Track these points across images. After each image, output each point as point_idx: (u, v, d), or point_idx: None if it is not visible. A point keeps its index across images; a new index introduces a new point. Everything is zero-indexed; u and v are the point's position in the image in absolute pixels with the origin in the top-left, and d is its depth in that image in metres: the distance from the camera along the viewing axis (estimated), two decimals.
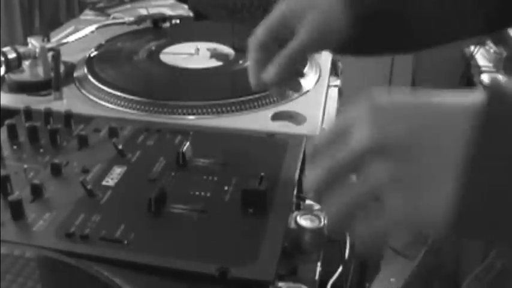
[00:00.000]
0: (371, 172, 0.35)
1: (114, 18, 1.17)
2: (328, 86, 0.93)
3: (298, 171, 0.65)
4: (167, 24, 1.15)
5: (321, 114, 0.81)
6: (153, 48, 1.01)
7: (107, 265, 0.50)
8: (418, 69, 2.23)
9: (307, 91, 0.88)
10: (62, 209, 0.58)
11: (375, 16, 0.58)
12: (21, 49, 0.88)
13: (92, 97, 0.85)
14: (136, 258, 0.52)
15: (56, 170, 0.64)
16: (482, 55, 1.99)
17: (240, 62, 0.95)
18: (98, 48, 1.01)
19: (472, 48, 2.01)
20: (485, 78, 1.84)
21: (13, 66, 0.87)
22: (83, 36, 1.01)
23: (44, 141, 0.70)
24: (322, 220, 0.58)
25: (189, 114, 0.80)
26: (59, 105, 0.81)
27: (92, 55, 0.97)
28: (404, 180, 0.35)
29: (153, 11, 1.18)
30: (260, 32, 0.59)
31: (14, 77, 0.88)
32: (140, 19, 1.12)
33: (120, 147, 0.68)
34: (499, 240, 0.43)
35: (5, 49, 0.86)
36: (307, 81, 0.89)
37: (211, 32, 1.10)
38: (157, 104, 0.81)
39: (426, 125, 0.35)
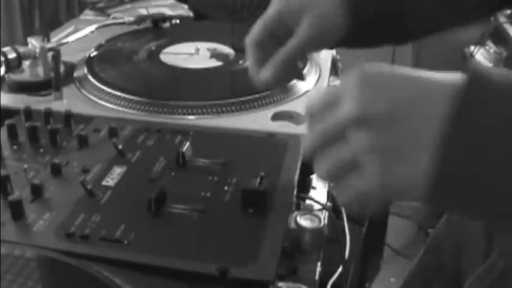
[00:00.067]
0: (353, 140, 0.39)
1: (114, 18, 1.17)
2: (328, 86, 0.93)
3: (298, 171, 0.65)
4: (167, 24, 1.15)
5: None
6: (153, 48, 1.01)
7: (107, 265, 0.50)
8: (418, 69, 2.23)
9: (307, 91, 0.88)
10: (62, 209, 0.58)
11: (371, 13, 0.58)
12: (21, 49, 0.88)
13: (92, 97, 0.85)
14: (136, 258, 0.52)
15: (56, 170, 0.64)
16: (482, 55, 1.99)
17: (240, 62, 0.95)
18: (98, 48, 1.01)
19: (472, 48, 2.01)
20: None
21: (13, 66, 0.87)
22: (83, 36, 1.01)
23: (44, 141, 0.70)
24: (322, 220, 0.58)
25: (189, 114, 0.80)
26: (59, 105, 0.81)
27: (92, 55, 0.97)
28: (383, 150, 0.38)
29: (153, 11, 1.18)
30: (256, 30, 0.59)
31: (14, 77, 0.88)
32: (140, 19, 1.12)
33: (120, 147, 0.68)
34: (472, 214, 0.44)
35: (5, 49, 0.86)
36: (307, 81, 0.89)
37: (211, 32, 1.10)
38: (157, 104, 0.81)
39: (407, 99, 0.37)
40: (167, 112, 0.80)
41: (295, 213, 0.59)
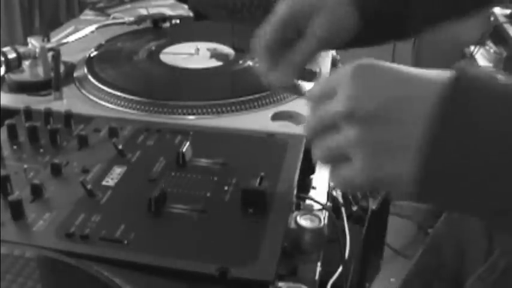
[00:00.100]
0: (343, 132, 0.41)
1: (114, 18, 1.17)
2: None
3: (298, 171, 0.65)
4: (167, 24, 1.15)
5: None
6: (153, 48, 1.01)
7: (107, 265, 0.50)
8: None
9: (307, 91, 0.87)
10: (62, 209, 0.58)
11: (377, 13, 0.58)
12: (21, 49, 0.88)
13: (92, 97, 0.85)
14: (136, 258, 0.52)
15: (56, 170, 0.64)
16: (482, 55, 1.99)
17: (240, 62, 0.95)
18: (98, 48, 1.01)
19: (472, 48, 2.01)
20: None
21: (13, 66, 0.87)
22: (83, 36, 1.01)
23: (44, 141, 0.70)
24: (322, 220, 0.58)
25: (189, 114, 0.80)
26: (59, 105, 0.81)
27: (92, 55, 0.97)
28: (369, 145, 0.40)
29: (153, 11, 1.18)
30: (267, 34, 0.59)
31: (14, 77, 0.88)
32: (140, 19, 1.12)
33: (120, 147, 0.68)
34: (459, 211, 0.45)
35: (5, 49, 0.86)
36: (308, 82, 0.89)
37: (211, 32, 1.10)
38: (157, 104, 0.81)
39: (396, 97, 0.39)
40: (167, 112, 0.80)
41: (295, 213, 0.59)
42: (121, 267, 0.51)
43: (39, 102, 0.82)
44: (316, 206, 0.62)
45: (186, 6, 1.25)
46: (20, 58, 0.87)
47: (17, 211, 0.56)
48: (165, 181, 0.63)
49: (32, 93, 0.86)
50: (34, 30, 1.46)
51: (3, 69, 0.87)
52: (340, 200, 0.83)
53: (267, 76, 0.59)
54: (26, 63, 0.89)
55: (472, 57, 1.98)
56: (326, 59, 0.99)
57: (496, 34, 1.96)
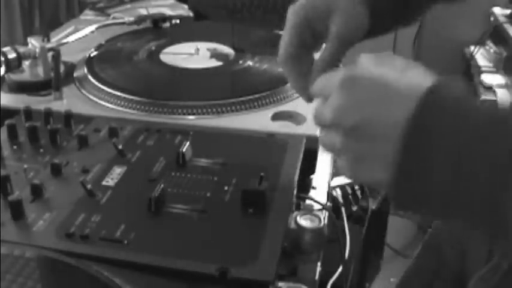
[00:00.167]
0: (329, 137, 0.47)
1: (114, 18, 1.17)
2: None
3: (298, 171, 0.65)
4: (167, 24, 1.15)
5: None
6: (153, 48, 1.01)
7: (107, 265, 0.50)
8: None
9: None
10: (62, 209, 0.58)
11: (386, 10, 0.61)
12: (21, 49, 0.88)
13: (92, 97, 0.85)
14: (136, 258, 0.52)
15: (56, 170, 0.64)
16: (482, 55, 1.99)
17: (240, 62, 0.95)
18: (98, 48, 1.01)
19: (472, 48, 2.01)
20: (485, 78, 1.84)
21: (13, 66, 0.87)
22: (83, 36, 1.01)
23: (44, 141, 0.70)
24: (322, 220, 0.58)
25: (189, 114, 0.80)
26: (59, 105, 0.81)
27: (92, 55, 0.97)
28: (351, 152, 0.45)
29: (153, 11, 1.18)
30: (287, 43, 0.59)
31: (14, 77, 0.88)
32: (140, 19, 1.12)
33: (120, 147, 0.68)
34: (431, 215, 0.48)
35: (5, 49, 0.86)
36: None
37: (211, 32, 1.10)
38: (157, 104, 0.81)
39: (375, 113, 0.44)
40: (167, 112, 0.80)
41: (295, 213, 0.59)
42: (121, 267, 0.51)
43: (39, 102, 0.82)
44: (316, 206, 0.62)
45: (186, 6, 1.25)
46: (20, 58, 0.87)
47: (17, 211, 0.56)
48: (165, 181, 0.62)
49: (32, 93, 0.86)
50: (34, 30, 1.46)
51: (3, 69, 0.87)
52: (340, 200, 0.83)
53: (295, 85, 0.60)
54: (26, 63, 0.89)
55: (472, 57, 1.98)
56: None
57: (496, 34, 1.96)
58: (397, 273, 0.89)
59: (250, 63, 0.95)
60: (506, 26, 1.90)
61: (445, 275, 0.76)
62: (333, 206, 0.66)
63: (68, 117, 0.74)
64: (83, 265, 0.49)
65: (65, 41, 0.97)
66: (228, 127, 0.77)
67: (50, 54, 0.87)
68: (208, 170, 0.65)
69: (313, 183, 0.68)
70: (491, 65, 1.93)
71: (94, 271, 0.48)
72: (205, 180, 0.63)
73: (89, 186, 0.60)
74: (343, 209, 0.79)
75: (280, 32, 0.60)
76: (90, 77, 0.89)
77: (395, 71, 0.45)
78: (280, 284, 0.51)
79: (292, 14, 0.59)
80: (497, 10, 2.02)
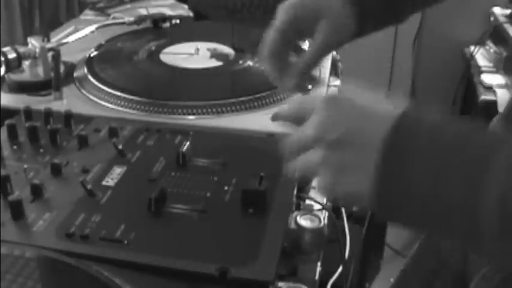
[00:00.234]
0: (313, 152, 0.47)
1: (114, 18, 1.17)
2: (328, 86, 0.93)
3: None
4: (167, 24, 1.15)
5: None
6: (153, 48, 1.01)
7: (107, 265, 0.50)
8: (418, 69, 2.23)
9: (307, 91, 0.87)
10: (62, 209, 0.58)
11: (374, 14, 0.62)
12: (21, 49, 0.88)
13: (92, 97, 0.85)
14: (136, 258, 0.52)
15: (56, 170, 0.64)
16: (482, 55, 1.99)
17: (240, 62, 0.95)
18: (98, 48, 1.01)
19: (472, 48, 2.01)
20: (485, 78, 1.84)
21: (13, 66, 0.87)
22: (83, 36, 1.01)
23: (44, 141, 0.70)
24: (322, 220, 0.58)
25: (189, 114, 0.80)
26: (59, 105, 0.81)
27: (92, 55, 0.97)
28: (333, 165, 0.47)
29: (153, 11, 1.18)
30: (272, 40, 0.61)
31: (14, 77, 0.88)
32: (140, 19, 1.12)
33: (120, 147, 0.68)
34: (411, 226, 0.49)
35: (5, 49, 0.86)
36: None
37: (211, 32, 1.10)
38: (157, 104, 0.81)
39: (355, 128, 0.46)
40: (167, 112, 0.80)
41: (295, 213, 0.59)
42: (121, 267, 0.51)
43: (39, 102, 0.82)
44: (316, 206, 0.62)
45: (186, 6, 1.25)
46: (20, 58, 0.87)
47: (17, 211, 0.56)
48: (165, 181, 0.62)
49: (32, 93, 0.86)
50: (34, 30, 1.46)
51: (3, 69, 0.87)
52: None
53: (275, 78, 0.63)
54: (26, 63, 0.89)
55: (472, 57, 1.98)
56: (326, 59, 0.99)
57: (496, 34, 1.96)
58: (397, 273, 0.89)
59: (250, 63, 0.95)
60: (506, 26, 1.90)
61: (446, 275, 0.76)
62: (333, 206, 0.66)
63: (68, 117, 0.74)
64: (83, 265, 0.49)
65: (65, 41, 0.97)
66: (228, 127, 0.77)
67: (50, 54, 0.87)
68: (208, 170, 0.65)
69: (313, 183, 0.68)
70: (491, 65, 1.93)
71: (94, 271, 0.48)
72: (205, 180, 0.63)
73: (89, 186, 0.60)
74: (343, 209, 0.79)
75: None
76: (90, 77, 0.89)
77: (372, 99, 0.48)
78: (280, 284, 0.52)
79: (281, 12, 0.61)
80: (497, 10, 2.02)
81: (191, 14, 1.22)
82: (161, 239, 0.54)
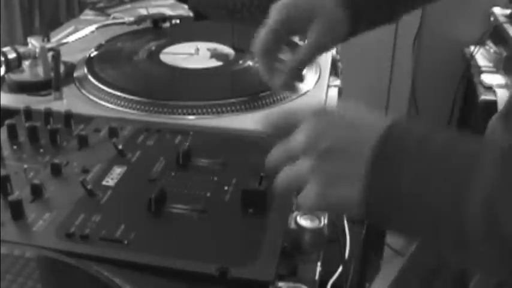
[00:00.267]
0: (301, 162, 0.48)
1: (114, 18, 1.17)
2: (328, 86, 0.93)
3: None
4: (167, 24, 1.15)
5: None
6: (153, 48, 1.01)
7: (107, 265, 0.50)
8: (418, 69, 2.23)
9: (307, 91, 0.88)
10: (62, 209, 0.58)
11: (367, 14, 0.63)
12: (21, 49, 0.88)
13: (92, 97, 0.85)
14: (136, 258, 0.52)
15: (56, 170, 0.64)
16: (482, 55, 1.99)
17: (240, 62, 0.95)
18: (98, 48, 1.01)
19: (472, 48, 2.01)
20: (485, 78, 1.84)
21: (13, 66, 0.87)
22: (83, 36, 1.01)
23: (44, 141, 0.70)
24: (322, 220, 0.58)
25: (189, 114, 0.80)
26: (59, 105, 0.81)
27: (92, 55, 0.97)
28: (322, 173, 0.47)
29: (153, 11, 1.18)
30: (264, 39, 0.62)
31: (14, 77, 0.88)
32: (140, 19, 1.12)
33: (120, 147, 0.68)
34: (402, 234, 0.50)
35: (5, 49, 0.86)
36: (307, 81, 0.89)
37: (211, 32, 1.10)
38: (157, 104, 0.81)
39: (344, 138, 0.47)
40: (167, 112, 0.80)
41: (295, 213, 0.59)
42: (121, 267, 0.51)
43: (39, 102, 0.82)
44: None
45: (186, 6, 1.25)
46: (20, 58, 0.87)
47: (17, 211, 0.56)
48: (165, 181, 0.63)
49: (32, 93, 0.86)
50: (34, 30, 1.46)
51: (3, 69, 0.87)
52: None
53: (265, 76, 0.64)
54: (26, 63, 0.89)
55: (472, 57, 1.98)
56: (326, 59, 0.99)
57: (496, 34, 1.96)
58: (396, 273, 0.89)
59: (250, 63, 0.95)
60: (506, 26, 1.90)
61: (446, 275, 0.76)
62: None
63: (68, 117, 0.74)
64: (83, 265, 0.49)
65: (65, 41, 0.97)
66: (228, 127, 0.77)
67: (50, 54, 0.87)
68: (208, 170, 0.65)
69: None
70: (491, 65, 1.93)
71: (94, 271, 0.48)
72: (205, 180, 0.63)
73: (89, 186, 0.60)
74: None
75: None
76: (90, 77, 0.89)
77: (361, 111, 0.49)
78: (280, 284, 0.51)
79: (274, 11, 0.62)
80: (497, 10, 2.02)
81: (191, 14, 1.22)
82: (161, 239, 0.54)
